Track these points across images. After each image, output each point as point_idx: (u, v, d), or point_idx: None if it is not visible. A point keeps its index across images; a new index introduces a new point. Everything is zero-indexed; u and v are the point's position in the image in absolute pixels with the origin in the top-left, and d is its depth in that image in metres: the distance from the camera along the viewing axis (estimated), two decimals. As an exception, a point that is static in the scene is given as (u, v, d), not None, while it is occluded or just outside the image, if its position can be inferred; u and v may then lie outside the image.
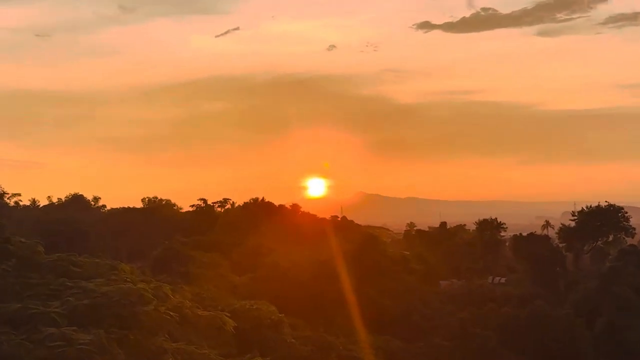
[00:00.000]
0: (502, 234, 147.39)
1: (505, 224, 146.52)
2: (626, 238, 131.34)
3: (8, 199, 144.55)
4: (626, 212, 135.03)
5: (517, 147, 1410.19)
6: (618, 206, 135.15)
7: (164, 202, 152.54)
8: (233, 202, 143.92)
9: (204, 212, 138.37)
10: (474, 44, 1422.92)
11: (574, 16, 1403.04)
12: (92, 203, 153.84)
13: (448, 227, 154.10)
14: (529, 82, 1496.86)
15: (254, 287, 79.24)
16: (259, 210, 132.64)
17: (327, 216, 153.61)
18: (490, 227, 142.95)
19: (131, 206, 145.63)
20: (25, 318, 28.24)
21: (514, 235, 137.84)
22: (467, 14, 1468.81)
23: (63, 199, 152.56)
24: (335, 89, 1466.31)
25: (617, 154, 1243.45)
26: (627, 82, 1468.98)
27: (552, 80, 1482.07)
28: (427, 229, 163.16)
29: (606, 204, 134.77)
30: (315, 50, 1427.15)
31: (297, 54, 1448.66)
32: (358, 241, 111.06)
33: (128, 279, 35.54)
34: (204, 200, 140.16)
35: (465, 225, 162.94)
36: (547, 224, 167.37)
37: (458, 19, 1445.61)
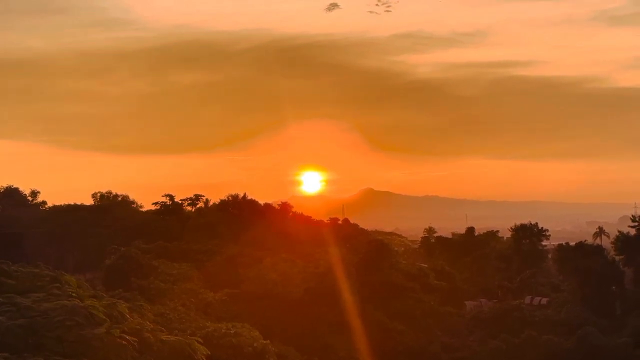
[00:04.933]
0: (544, 243, 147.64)
1: (547, 230, 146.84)
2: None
3: None
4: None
5: (564, 135, 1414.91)
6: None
7: (119, 199, 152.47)
8: (207, 200, 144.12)
9: (170, 211, 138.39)
10: (515, 2, 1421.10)
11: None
12: (30, 198, 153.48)
13: (476, 233, 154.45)
14: (585, 51, 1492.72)
15: (233, 306, 79.36)
16: (239, 211, 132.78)
17: (325, 218, 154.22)
18: (529, 234, 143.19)
19: (78, 203, 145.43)
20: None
21: (558, 244, 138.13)
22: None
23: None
24: (336, 59, 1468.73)
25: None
26: None
27: (614, 50, 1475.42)
28: (450, 236, 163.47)
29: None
30: (311, 10, 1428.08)
31: (289, 13, 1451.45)
32: (363, 250, 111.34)
33: (74, 294, 35.47)
34: (171, 197, 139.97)
35: (497, 231, 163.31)
36: (601, 231, 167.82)
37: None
